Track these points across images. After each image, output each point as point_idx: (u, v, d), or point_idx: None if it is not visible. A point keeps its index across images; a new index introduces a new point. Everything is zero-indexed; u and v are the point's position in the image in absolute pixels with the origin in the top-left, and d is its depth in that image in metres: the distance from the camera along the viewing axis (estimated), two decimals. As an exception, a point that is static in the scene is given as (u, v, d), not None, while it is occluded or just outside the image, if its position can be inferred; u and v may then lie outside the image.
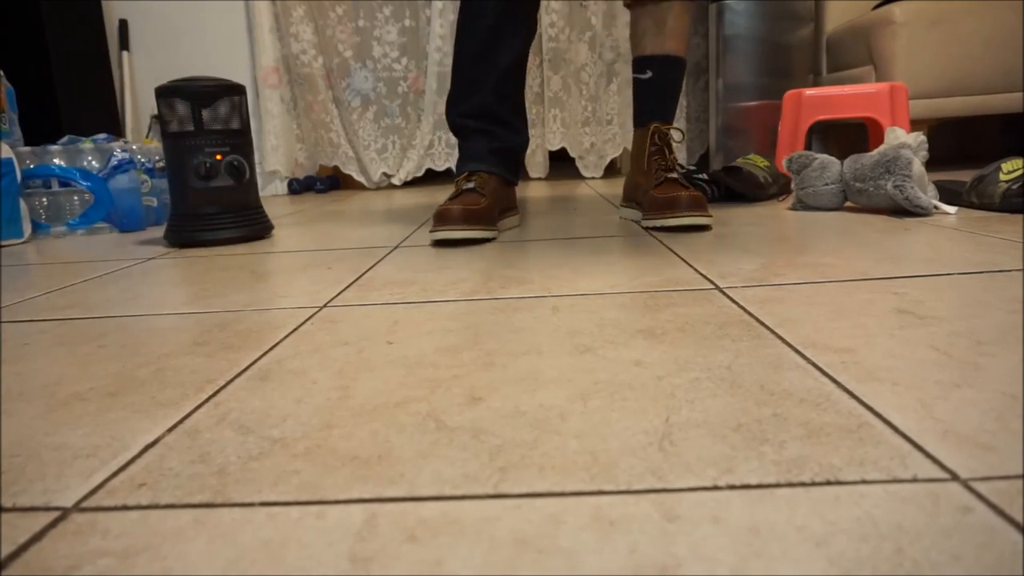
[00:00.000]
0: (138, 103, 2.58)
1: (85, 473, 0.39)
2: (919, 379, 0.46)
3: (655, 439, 0.40)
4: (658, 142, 1.28)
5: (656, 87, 1.31)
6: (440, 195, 2.03)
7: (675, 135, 1.30)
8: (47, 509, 0.36)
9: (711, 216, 1.16)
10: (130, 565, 0.31)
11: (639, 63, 1.32)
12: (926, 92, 1.95)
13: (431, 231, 1.16)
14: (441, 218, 1.14)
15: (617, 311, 0.68)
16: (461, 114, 1.31)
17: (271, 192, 2.61)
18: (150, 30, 2.55)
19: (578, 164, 2.62)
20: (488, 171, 1.27)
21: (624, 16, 2.43)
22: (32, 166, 1.56)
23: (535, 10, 1.32)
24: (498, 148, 1.30)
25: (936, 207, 1.18)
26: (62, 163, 1.57)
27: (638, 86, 1.33)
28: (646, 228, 1.21)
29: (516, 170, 1.37)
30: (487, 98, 1.28)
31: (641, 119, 1.33)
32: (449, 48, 2.37)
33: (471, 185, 1.22)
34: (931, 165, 1.26)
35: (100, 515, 0.35)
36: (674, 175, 1.24)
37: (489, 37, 1.26)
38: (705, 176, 1.57)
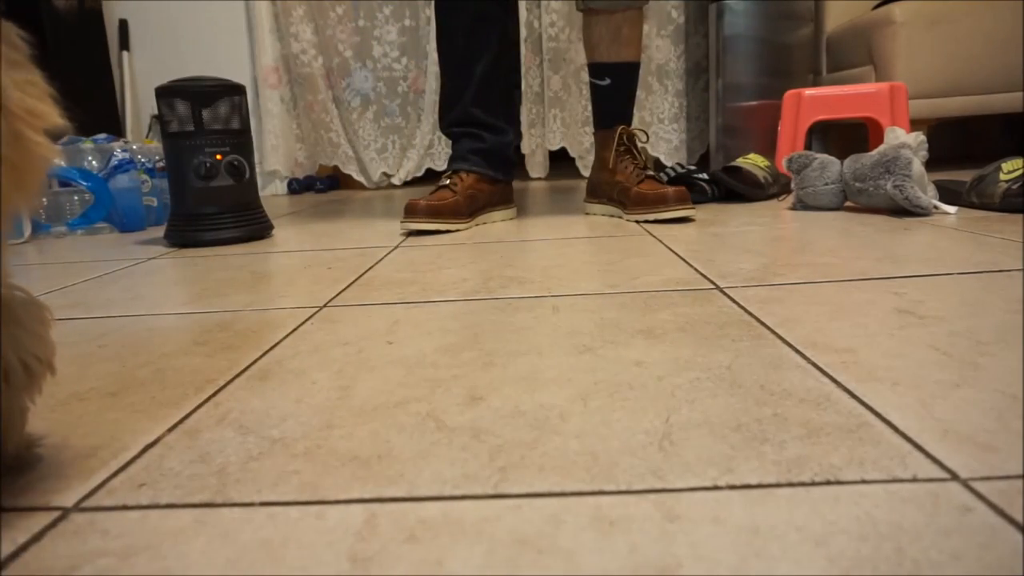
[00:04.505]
0: (138, 103, 2.58)
1: (85, 473, 0.39)
2: (919, 379, 0.46)
3: (655, 439, 0.40)
4: (626, 143, 1.39)
5: (616, 93, 1.42)
6: (440, 195, 2.03)
7: (641, 136, 1.42)
8: (47, 509, 0.36)
9: (694, 208, 1.30)
10: (130, 565, 0.31)
11: (597, 69, 1.42)
12: (926, 92, 1.95)
13: (401, 221, 1.30)
14: (408, 211, 1.29)
15: (617, 311, 0.68)
16: (448, 123, 1.47)
17: (271, 192, 2.61)
18: (150, 30, 2.55)
19: (578, 164, 2.62)
20: (468, 170, 1.39)
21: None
22: (32, 166, 1.55)
23: (505, 20, 1.45)
24: (481, 148, 1.42)
25: (936, 207, 1.18)
26: (62, 163, 1.57)
27: (597, 91, 1.43)
28: (636, 222, 1.31)
29: (504, 167, 1.47)
30: (467, 108, 1.43)
31: (605, 122, 1.43)
32: (449, 48, 2.37)
33: (446, 183, 1.36)
34: (931, 165, 1.26)
35: (100, 515, 0.35)
36: (651, 172, 1.36)
37: (463, 52, 1.41)
38: (705, 176, 1.57)
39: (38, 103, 0.34)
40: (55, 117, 0.35)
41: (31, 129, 0.33)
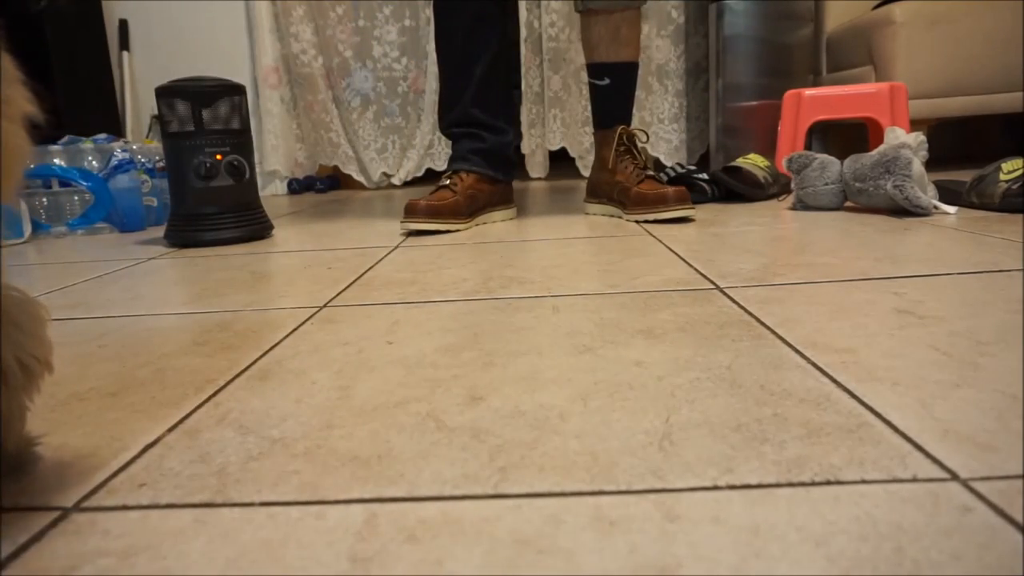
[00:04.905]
0: (138, 103, 2.58)
1: (85, 473, 0.39)
2: (919, 379, 0.46)
3: (655, 439, 0.40)
4: (626, 142, 1.39)
5: (616, 93, 1.42)
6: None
7: (641, 136, 1.42)
8: (47, 509, 0.36)
9: (694, 208, 1.30)
10: (130, 565, 0.31)
11: (596, 69, 1.42)
12: (926, 92, 1.95)
13: (401, 221, 1.30)
14: (408, 211, 1.29)
15: (617, 311, 0.68)
16: (448, 124, 1.47)
17: (271, 192, 2.61)
18: (150, 30, 2.54)
19: (578, 164, 2.62)
20: (468, 170, 1.40)
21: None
22: (32, 166, 1.56)
23: (504, 21, 1.45)
24: (481, 148, 1.42)
25: (936, 207, 1.18)
26: (62, 163, 1.57)
27: (597, 91, 1.43)
28: (636, 222, 1.31)
29: (505, 167, 1.47)
30: (467, 108, 1.43)
31: (605, 122, 1.43)
32: (449, 48, 2.37)
33: (446, 183, 1.36)
34: (931, 165, 1.26)
35: (100, 515, 0.35)
36: (651, 172, 1.36)
37: (461, 53, 1.41)
38: (705, 176, 1.57)
39: (4, 89, 0.32)
40: (24, 103, 0.34)
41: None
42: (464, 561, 0.29)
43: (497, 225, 1.39)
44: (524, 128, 2.56)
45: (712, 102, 2.27)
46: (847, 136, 2.36)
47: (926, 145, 1.22)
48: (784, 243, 1.01)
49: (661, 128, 2.54)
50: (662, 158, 2.54)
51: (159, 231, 1.44)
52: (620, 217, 1.37)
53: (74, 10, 2.27)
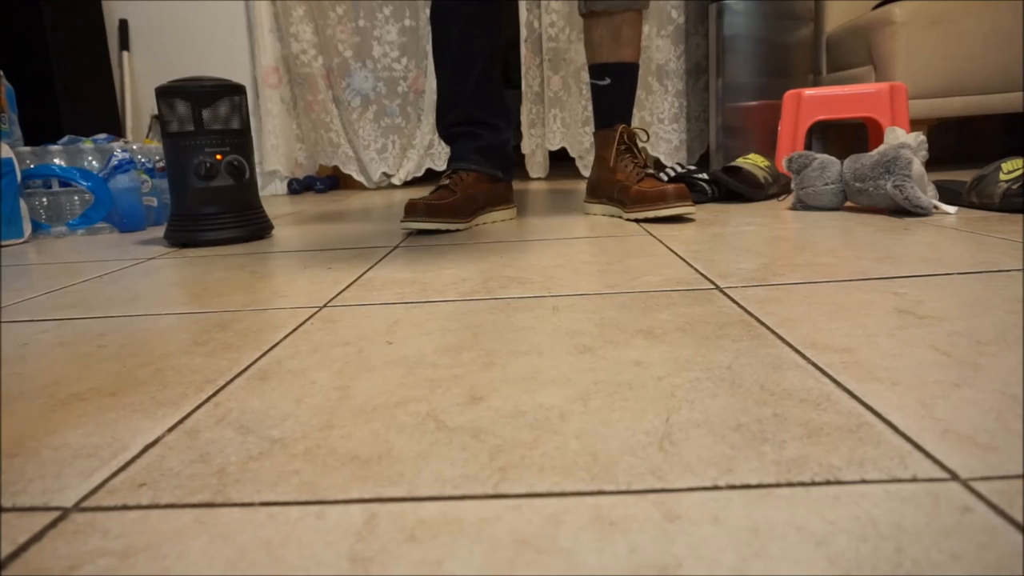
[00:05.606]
0: (138, 103, 2.58)
1: (85, 473, 0.39)
2: (919, 379, 0.46)
3: (655, 439, 0.40)
4: (626, 141, 1.40)
5: (616, 93, 1.44)
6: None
7: (641, 135, 1.43)
8: (47, 509, 0.36)
9: (694, 205, 1.30)
10: (130, 565, 0.31)
11: (597, 70, 1.44)
12: (926, 92, 1.95)
13: (401, 221, 1.30)
14: (408, 210, 1.29)
15: (617, 311, 0.68)
16: (446, 125, 1.48)
17: (271, 192, 2.61)
18: (150, 30, 2.55)
19: (578, 164, 2.62)
20: (467, 169, 1.40)
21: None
22: (32, 166, 1.56)
23: (500, 23, 1.46)
24: (481, 147, 1.43)
25: (936, 207, 1.18)
26: (62, 163, 1.57)
27: (597, 92, 1.45)
28: (635, 220, 1.31)
29: (504, 166, 1.48)
30: (465, 107, 1.44)
31: (605, 122, 1.44)
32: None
33: (446, 182, 1.36)
34: (931, 165, 1.26)
35: (100, 515, 0.35)
36: (651, 171, 1.37)
37: (457, 56, 1.43)
38: (705, 176, 1.57)
39: None
40: None
41: None
42: (464, 561, 0.29)
43: (497, 225, 1.39)
44: (524, 128, 2.56)
45: (712, 102, 2.27)
46: (847, 136, 2.36)
47: (926, 145, 1.22)
48: (784, 243, 1.01)
49: (661, 128, 2.54)
50: (662, 158, 2.54)
51: (159, 231, 1.44)
52: (620, 217, 1.37)
53: (74, 10, 2.27)
